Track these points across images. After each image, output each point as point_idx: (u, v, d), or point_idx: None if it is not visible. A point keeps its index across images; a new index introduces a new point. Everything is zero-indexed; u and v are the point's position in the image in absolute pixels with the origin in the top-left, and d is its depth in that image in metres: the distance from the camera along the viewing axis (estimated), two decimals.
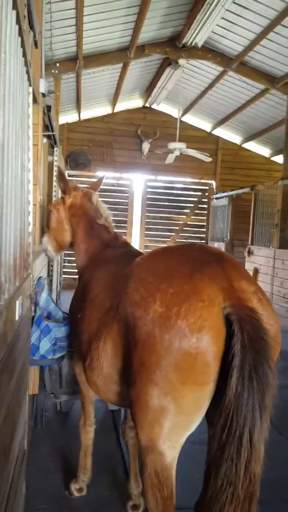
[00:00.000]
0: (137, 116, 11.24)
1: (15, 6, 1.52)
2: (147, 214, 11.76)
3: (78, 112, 10.34)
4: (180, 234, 11.88)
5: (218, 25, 6.85)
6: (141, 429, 1.80)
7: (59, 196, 6.31)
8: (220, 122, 10.85)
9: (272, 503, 2.83)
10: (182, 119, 11.28)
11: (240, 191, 9.91)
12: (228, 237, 10.89)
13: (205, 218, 12.01)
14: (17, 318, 1.68)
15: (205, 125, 11.49)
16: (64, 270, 10.59)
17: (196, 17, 6.29)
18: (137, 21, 6.61)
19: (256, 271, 8.88)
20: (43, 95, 3.59)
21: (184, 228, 11.93)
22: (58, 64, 7.12)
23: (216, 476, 1.61)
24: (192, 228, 12.05)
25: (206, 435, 1.98)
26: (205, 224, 12.04)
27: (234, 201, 10.74)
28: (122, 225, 11.48)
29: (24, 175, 1.98)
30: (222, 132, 11.52)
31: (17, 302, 1.67)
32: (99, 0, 5.93)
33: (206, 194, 11.90)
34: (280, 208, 8.14)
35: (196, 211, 11.97)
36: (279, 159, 11.61)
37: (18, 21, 1.61)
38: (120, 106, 10.91)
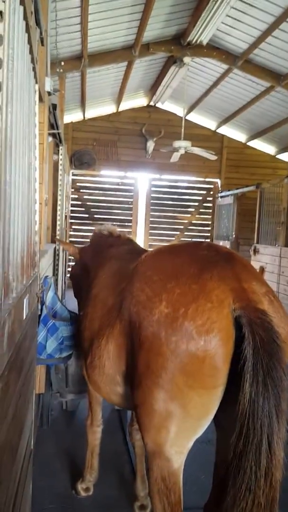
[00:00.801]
0: (142, 115, 11.21)
1: (22, 1, 1.51)
2: (151, 213, 11.74)
3: (82, 111, 10.33)
4: (185, 233, 11.85)
5: (223, 23, 6.80)
6: (147, 433, 1.75)
7: (64, 196, 6.31)
8: (225, 120, 10.80)
9: None
10: (187, 117, 11.23)
11: (246, 189, 9.87)
12: (234, 236, 10.85)
13: (210, 216, 11.97)
14: (24, 317, 1.67)
15: (210, 123, 11.44)
16: (70, 269, 10.58)
17: (201, 15, 6.26)
18: (142, 19, 6.58)
19: (262, 269, 8.84)
20: (49, 93, 3.58)
21: (189, 227, 11.90)
22: (63, 63, 7.10)
23: (234, 484, 1.57)
24: (197, 227, 12.02)
25: (213, 435, 1.96)
26: (210, 222, 11.99)
27: (239, 199, 10.69)
28: (126, 224, 11.47)
29: (31, 173, 1.96)
30: (227, 130, 11.48)
31: (25, 301, 1.66)
32: None
33: (211, 192, 11.85)
34: (286, 206, 8.09)
35: (201, 210, 11.92)
36: (285, 157, 11.55)
37: (25, 17, 1.60)
38: (125, 105, 10.89)
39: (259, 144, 11.58)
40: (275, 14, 6.23)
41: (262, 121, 10.19)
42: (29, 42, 1.78)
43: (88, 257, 3.16)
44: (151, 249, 2.26)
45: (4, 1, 1.13)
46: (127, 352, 1.88)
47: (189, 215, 11.84)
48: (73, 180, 11.05)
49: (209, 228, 12.01)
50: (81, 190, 11.31)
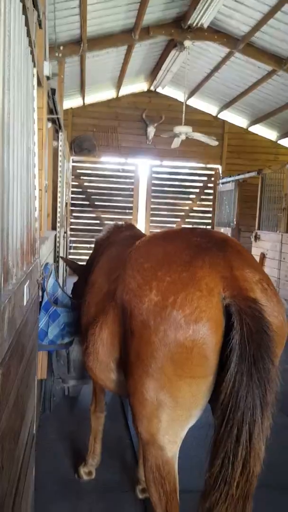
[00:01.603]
0: (142, 100, 11.10)
1: None
2: (152, 199, 11.69)
3: (82, 96, 10.22)
4: (186, 219, 11.81)
5: (224, 5, 6.68)
6: (140, 422, 1.74)
7: (65, 183, 6.26)
8: (226, 105, 10.69)
9: (281, 488, 2.85)
10: (188, 102, 11.10)
11: (247, 175, 9.80)
12: (235, 222, 10.82)
13: (211, 203, 11.92)
14: (25, 303, 1.67)
15: (211, 108, 11.33)
16: (70, 256, 10.59)
17: None
18: (142, 2, 6.47)
19: (263, 256, 8.83)
20: (48, 78, 3.54)
21: (190, 214, 11.86)
22: (61, 47, 7.00)
23: (211, 473, 1.56)
24: (198, 213, 11.98)
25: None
26: (211, 209, 11.95)
27: (240, 185, 10.63)
28: (127, 211, 11.44)
29: (30, 159, 1.95)
30: (228, 115, 11.36)
31: (25, 287, 1.66)
32: None
33: (212, 179, 11.79)
34: (287, 192, 8.04)
35: (202, 196, 11.87)
36: (287, 142, 11.44)
37: None
38: (125, 90, 10.77)
39: (260, 130, 11.48)
40: None
41: (263, 106, 10.08)
42: (26, 24, 1.74)
43: (97, 248, 3.16)
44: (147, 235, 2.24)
45: None
46: (120, 340, 1.86)
47: (190, 202, 11.79)
48: (73, 166, 10.99)
49: (210, 215, 11.97)
50: (82, 177, 11.25)
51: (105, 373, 2.08)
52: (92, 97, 10.65)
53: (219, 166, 11.69)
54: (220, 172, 11.66)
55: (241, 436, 1.50)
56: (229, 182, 10.88)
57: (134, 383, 1.72)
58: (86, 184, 11.29)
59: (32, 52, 1.97)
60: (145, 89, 11.07)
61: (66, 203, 8.22)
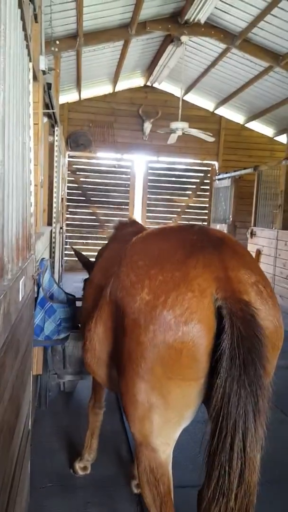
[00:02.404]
0: (139, 96, 11.05)
1: None
2: (148, 195, 11.68)
3: (78, 91, 10.17)
4: (182, 216, 11.81)
5: (221, 1, 6.66)
6: (133, 424, 1.72)
7: (61, 179, 6.22)
8: (223, 101, 10.67)
9: (278, 483, 2.87)
10: (184, 98, 11.08)
11: (243, 171, 9.81)
12: (231, 219, 10.83)
13: (207, 199, 11.93)
14: (20, 298, 1.67)
15: (208, 104, 11.31)
16: (66, 252, 10.58)
17: None
18: None
19: (258, 252, 8.86)
20: (43, 72, 3.51)
21: (186, 210, 11.86)
22: (57, 42, 6.96)
23: (208, 485, 1.51)
24: (194, 209, 11.98)
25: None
26: (207, 205, 11.96)
27: (236, 182, 10.64)
28: (123, 207, 11.42)
29: (25, 153, 1.94)
30: (225, 111, 11.35)
31: (21, 283, 1.65)
32: None
33: (209, 175, 11.79)
34: (284, 189, 8.06)
35: (198, 193, 11.87)
36: (283, 139, 11.43)
37: None
38: (121, 85, 10.72)
39: (257, 126, 11.47)
40: None
41: (260, 102, 10.07)
42: (22, 18, 1.73)
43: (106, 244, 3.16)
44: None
45: None
46: (115, 338, 1.84)
47: (186, 198, 11.79)
48: (69, 162, 10.96)
49: (206, 211, 11.98)
50: (78, 173, 11.22)
51: (103, 369, 2.06)
52: (89, 92, 10.60)
53: (215, 162, 11.68)
54: (217, 168, 11.65)
55: (235, 445, 1.44)
56: (225, 178, 10.88)
57: (125, 383, 1.69)
58: (82, 179, 11.26)
59: (27, 46, 1.96)
60: (142, 84, 11.03)
61: (62, 199, 8.19)
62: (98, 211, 11.31)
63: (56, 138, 5.32)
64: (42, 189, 3.73)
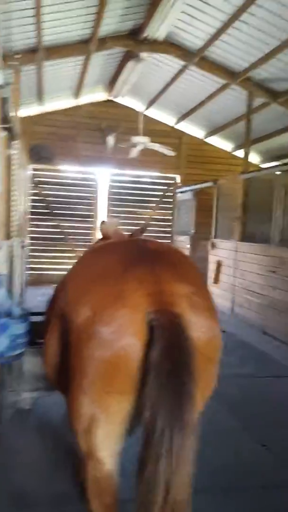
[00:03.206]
0: (101, 110, 11.14)
1: None
2: (112, 208, 11.72)
3: (40, 104, 10.16)
4: (146, 228, 11.90)
5: (179, 19, 6.87)
6: (78, 436, 1.74)
7: (22, 192, 6.16)
8: (184, 116, 10.91)
9: (229, 490, 2.91)
10: (147, 113, 11.27)
11: (203, 185, 10.02)
12: (192, 231, 11.02)
13: (170, 212, 12.10)
14: None
15: (169, 119, 11.53)
16: (32, 266, 10.50)
17: (156, 10, 6.27)
18: (98, 13, 6.54)
19: (219, 264, 9.04)
20: (1, 86, 3.52)
21: (150, 222, 11.98)
22: (17, 56, 6.95)
23: (137, 499, 1.50)
24: (158, 222, 12.12)
25: None
26: (170, 218, 12.12)
27: (197, 195, 10.85)
28: (88, 219, 11.42)
29: None
30: (186, 126, 11.60)
31: None
32: None
33: (171, 188, 11.97)
34: (241, 202, 8.29)
35: (161, 205, 12.03)
36: (240, 153, 11.78)
37: None
38: (84, 99, 10.79)
39: (217, 141, 11.78)
40: (228, 12, 6.33)
41: (219, 118, 10.36)
42: None
43: None
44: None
45: None
46: (65, 352, 1.86)
47: (150, 211, 11.91)
48: (32, 175, 10.88)
49: (170, 223, 12.14)
50: (41, 185, 11.14)
51: (62, 383, 2.03)
52: (51, 105, 10.60)
53: (177, 176, 11.88)
54: (179, 182, 11.85)
55: (161, 459, 1.43)
56: (187, 191, 11.08)
57: (71, 396, 1.72)
58: (45, 192, 11.19)
59: None
60: (105, 99, 11.13)
61: (24, 212, 8.12)
62: (62, 224, 11.25)
63: (15, 151, 5.30)
64: (0, 203, 3.70)
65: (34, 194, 11.00)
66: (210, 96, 9.26)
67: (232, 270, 8.44)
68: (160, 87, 9.81)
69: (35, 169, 10.98)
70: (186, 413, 1.47)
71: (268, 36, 6.61)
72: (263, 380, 5.06)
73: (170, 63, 8.51)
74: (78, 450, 1.79)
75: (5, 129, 4.69)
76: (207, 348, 1.66)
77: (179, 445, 1.44)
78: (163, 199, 12.01)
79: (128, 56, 8.28)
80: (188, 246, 11.08)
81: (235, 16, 6.28)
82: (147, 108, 10.98)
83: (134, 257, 1.77)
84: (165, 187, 11.99)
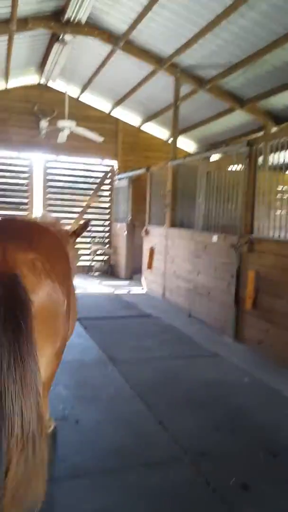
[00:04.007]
0: (34, 93, 10.82)
1: None
2: (49, 195, 11.49)
3: None
4: (84, 216, 11.79)
5: (100, 2, 6.75)
6: None
7: None
8: (118, 102, 10.80)
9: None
10: (81, 98, 11.08)
11: (137, 172, 10.02)
12: (129, 218, 11.02)
13: (109, 199, 12.03)
14: None
15: (105, 105, 11.38)
16: None
17: None
18: None
19: (152, 250, 9.10)
20: None
21: (88, 210, 11.86)
22: None
23: None
24: (96, 209, 12.03)
25: None
26: (109, 205, 12.06)
27: (133, 182, 10.85)
28: (22, 207, 11.13)
29: None
30: (123, 113, 11.50)
31: None
32: None
33: (109, 175, 11.88)
34: (171, 189, 8.35)
35: (99, 193, 11.92)
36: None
37: None
38: (15, 82, 10.45)
39: (153, 128, 11.78)
40: None
41: (152, 104, 10.34)
42: None
43: None
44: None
45: None
46: None
47: (87, 198, 11.78)
48: None
49: (108, 210, 12.08)
50: None
51: None
52: None
53: (115, 162, 11.81)
54: (116, 169, 11.78)
55: (6, 392, 1.54)
56: (123, 178, 11.04)
57: None
58: None
59: None
60: (36, 82, 10.82)
61: None
62: None
63: None
64: None
65: None
66: (141, 82, 9.20)
67: (163, 256, 8.53)
68: (91, 72, 9.64)
69: None
70: (23, 345, 1.63)
71: (187, 22, 6.61)
72: (178, 361, 5.17)
73: (97, 46, 8.37)
74: None
75: None
76: (45, 302, 1.96)
77: (20, 375, 1.57)
78: (102, 186, 11.91)
79: (55, 39, 8.07)
80: (125, 233, 11.08)
81: (154, 0, 6.24)
82: (82, 93, 10.80)
83: None
84: (103, 174, 11.88)
